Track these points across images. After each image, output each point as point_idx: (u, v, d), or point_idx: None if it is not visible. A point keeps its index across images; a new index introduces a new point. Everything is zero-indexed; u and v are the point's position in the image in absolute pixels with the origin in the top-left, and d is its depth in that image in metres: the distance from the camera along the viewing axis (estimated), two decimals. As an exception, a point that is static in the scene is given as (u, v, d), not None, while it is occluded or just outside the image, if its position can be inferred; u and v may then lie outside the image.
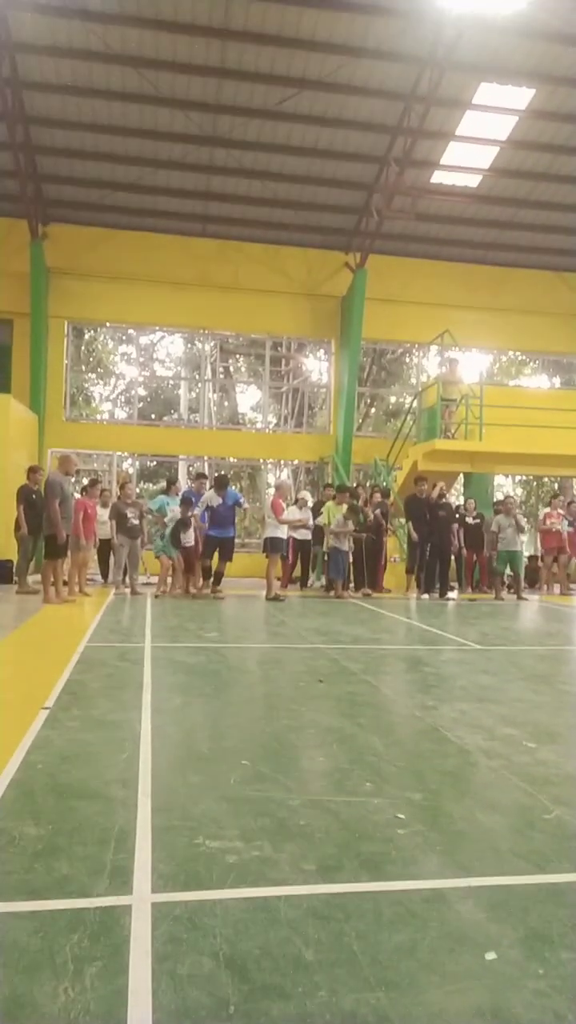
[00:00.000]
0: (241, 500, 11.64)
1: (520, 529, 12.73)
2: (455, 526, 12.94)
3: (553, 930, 2.10)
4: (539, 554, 15.38)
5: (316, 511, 12.90)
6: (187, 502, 11.21)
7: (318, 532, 12.63)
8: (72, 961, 1.87)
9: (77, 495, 11.24)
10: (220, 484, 11.36)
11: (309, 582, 13.18)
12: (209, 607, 9.94)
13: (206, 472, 15.13)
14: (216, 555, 11.22)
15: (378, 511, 12.68)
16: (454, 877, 2.40)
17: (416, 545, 12.39)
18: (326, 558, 12.17)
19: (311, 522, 12.59)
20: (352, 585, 12.34)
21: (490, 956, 1.96)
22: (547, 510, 14.04)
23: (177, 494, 11.54)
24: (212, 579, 11.29)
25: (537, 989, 1.83)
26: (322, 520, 12.12)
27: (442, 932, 2.07)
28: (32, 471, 11.34)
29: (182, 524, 11.05)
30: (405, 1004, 1.75)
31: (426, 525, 12.26)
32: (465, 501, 14.14)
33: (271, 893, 2.25)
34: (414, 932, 2.06)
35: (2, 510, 12.15)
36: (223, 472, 13.17)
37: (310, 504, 12.80)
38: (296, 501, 12.49)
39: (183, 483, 13.46)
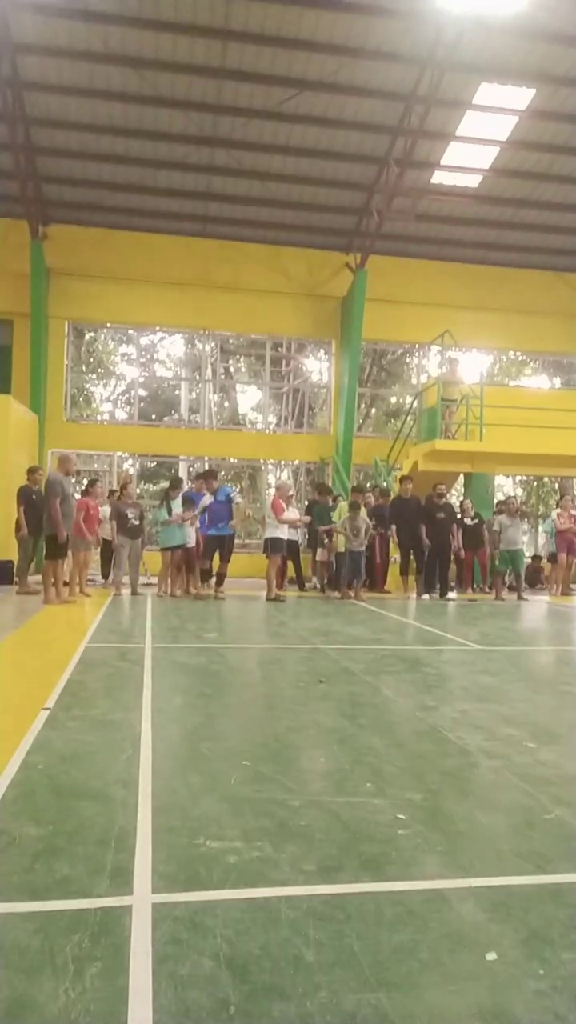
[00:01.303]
0: (232, 494, 11.45)
1: (524, 515, 12.69)
2: (453, 526, 12.87)
3: (554, 930, 2.09)
4: (545, 554, 15.32)
5: (309, 511, 12.91)
6: (189, 501, 11.21)
7: (314, 532, 12.64)
8: (72, 961, 1.87)
9: (77, 495, 11.23)
10: (207, 477, 11.26)
11: (311, 583, 13.15)
12: (209, 607, 9.94)
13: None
14: (216, 556, 11.17)
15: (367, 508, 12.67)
16: (455, 877, 2.40)
17: (403, 547, 12.35)
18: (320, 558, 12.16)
19: (303, 522, 12.59)
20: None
21: (491, 956, 1.96)
22: (558, 511, 13.91)
23: (175, 498, 11.41)
24: (214, 580, 11.18)
25: (538, 989, 1.83)
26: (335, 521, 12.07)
27: (443, 932, 2.07)
28: (32, 471, 11.35)
29: (171, 489, 11.37)
30: (406, 1004, 1.75)
31: (414, 526, 12.22)
32: (462, 502, 14.12)
33: (272, 894, 2.25)
34: (415, 932, 2.06)
35: (2, 510, 12.16)
36: (211, 468, 12.88)
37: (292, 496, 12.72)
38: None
39: (185, 484, 13.35)
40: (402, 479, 13.19)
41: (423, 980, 1.85)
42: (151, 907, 2.15)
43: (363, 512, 11.69)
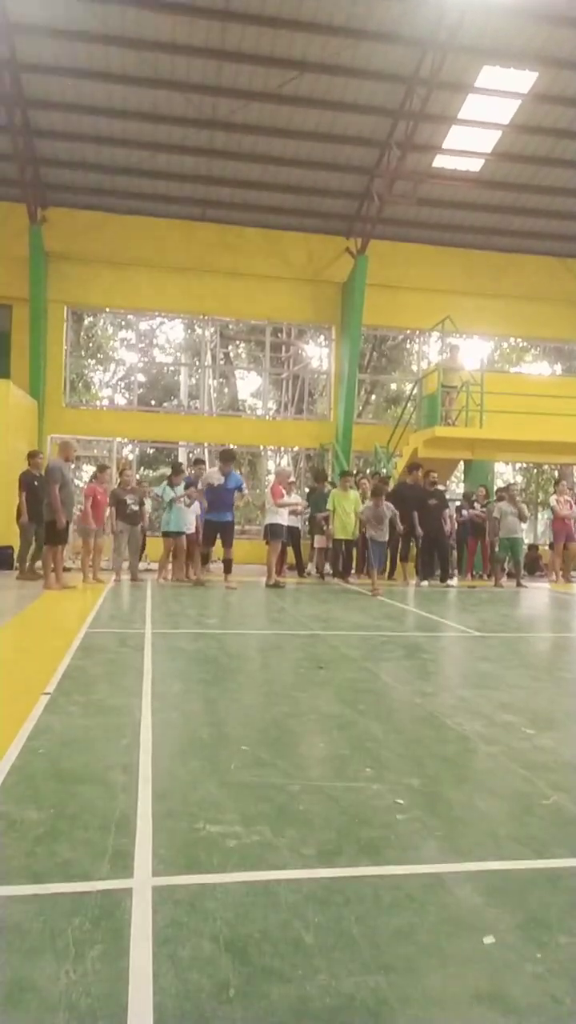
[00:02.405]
0: (243, 486, 10.96)
1: (523, 517, 12.65)
2: (448, 512, 12.84)
3: (551, 914, 2.11)
4: (547, 542, 15.30)
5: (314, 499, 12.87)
6: (190, 485, 11.21)
7: (313, 519, 12.61)
8: (73, 944, 1.89)
9: (79, 482, 11.22)
10: (226, 458, 10.68)
11: (308, 570, 13.15)
12: (209, 594, 9.92)
13: (205, 458, 15.07)
14: (218, 542, 10.90)
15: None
16: (453, 862, 2.41)
17: (406, 534, 12.36)
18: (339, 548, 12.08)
19: (303, 507, 12.53)
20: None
21: (488, 940, 1.97)
22: (556, 496, 13.87)
23: (178, 484, 11.37)
24: (222, 568, 10.77)
25: (535, 973, 1.84)
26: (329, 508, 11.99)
27: (441, 916, 2.08)
28: (32, 456, 11.31)
29: (173, 476, 11.21)
30: (404, 987, 1.77)
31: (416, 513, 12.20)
32: (477, 489, 14.09)
33: (271, 877, 2.27)
34: (413, 916, 2.07)
35: (1, 496, 12.14)
36: (230, 447, 11.93)
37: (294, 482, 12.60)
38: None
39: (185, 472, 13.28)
40: (410, 466, 13.08)
41: (421, 963, 1.86)
42: (151, 890, 2.16)
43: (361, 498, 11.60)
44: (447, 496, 13.61)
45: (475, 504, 13.59)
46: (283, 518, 11.27)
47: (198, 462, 12.69)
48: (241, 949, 1.89)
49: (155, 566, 12.17)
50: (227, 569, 10.80)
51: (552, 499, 14.09)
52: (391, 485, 13.57)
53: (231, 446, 13.06)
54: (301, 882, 2.24)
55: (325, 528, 12.16)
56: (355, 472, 14.94)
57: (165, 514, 11.25)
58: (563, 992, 1.77)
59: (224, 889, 2.19)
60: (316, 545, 12.86)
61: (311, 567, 13.19)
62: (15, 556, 11.61)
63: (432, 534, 12.19)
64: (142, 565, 11.94)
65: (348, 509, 11.69)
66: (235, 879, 2.25)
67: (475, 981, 1.81)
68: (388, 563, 12.55)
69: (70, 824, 2.60)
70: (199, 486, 10.97)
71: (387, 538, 10.97)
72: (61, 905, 2.08)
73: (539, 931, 2.02)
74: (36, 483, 10.70)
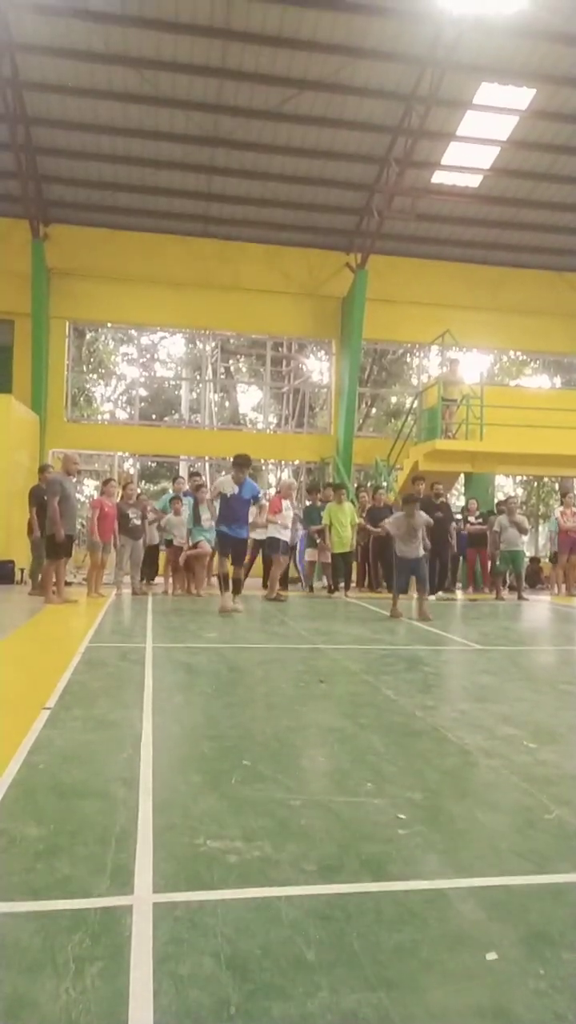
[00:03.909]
0: (260, 495, 9.77)
1: (523, 531, 12.62)
2: (452, 526, 12.82)
3: (554, 930, 2.09)
4: (549, 554, 15.27)
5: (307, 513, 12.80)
6: (178, 500, 11.29)
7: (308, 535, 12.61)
8: (73, 961, 1.87)
9: (81, 496, 11.21)
10: (240, 464, 9.26)
11: (302, 584, 13.09)
12: (210, 608, 9.85)
13: (201, 472, 15.04)
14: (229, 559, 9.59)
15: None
16: (455, 877, 2.40)
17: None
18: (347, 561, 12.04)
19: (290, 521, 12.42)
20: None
21: (491, 956, 1.96)
22: (561, 508, 13.86)
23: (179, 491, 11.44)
24: (231, 588, 9.32)
25: (538, 989, 1.83)
26: (325, 523, 11.95)
27: (443, 932, 2.07)
28: (43, 471, 11.27)
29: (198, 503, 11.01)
30: (406, 1004, 1.75)
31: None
32: (467, 502, 14.07)
33: (272, 893, 2.25)
34: (415, 932, 2.06)
35: (3, 510, 12.14)
36: (244, 455, 9.68)
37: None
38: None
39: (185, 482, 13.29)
40: (415, 479, 13.06)
41: (424, 979, 1.85)
42: (152, 907, 2.15)
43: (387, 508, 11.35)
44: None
45: (468, 518, 13.53)
46: (286, 533, 11.21)
47: (193, 475, 12.70)
48: (242, 966, 1.87)
49: (156, 580, 12.16)
50: (236, 590, 9.40)
51: (556, 511, 14.09)
52: (391, 498, 13.59)
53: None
54: (302, 898, 2.23)
55: (318, 541, 12.11)
56: (355, 485, 14.94)
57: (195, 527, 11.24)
58: (566, 1008, 1.75)
59: (225, 905, 2.17)
60: (306, 558, 12.79)
61: (300, 584, 13.14)
62: (15, 570, 11.55)
63: (437, 547, 12.16)
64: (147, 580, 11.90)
65: (344, 522, 11.68)
66: (236, 895, 2.23)
67: (478, 997, 1.79)
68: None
69: (70, 840, 2.58)
70: (209, 496, 10.50)
71: (421, 554, 9.38)
72: (61, 922, 2.06)
73: (542, 947, 2.01)
74: (46, 496, 10.68)
